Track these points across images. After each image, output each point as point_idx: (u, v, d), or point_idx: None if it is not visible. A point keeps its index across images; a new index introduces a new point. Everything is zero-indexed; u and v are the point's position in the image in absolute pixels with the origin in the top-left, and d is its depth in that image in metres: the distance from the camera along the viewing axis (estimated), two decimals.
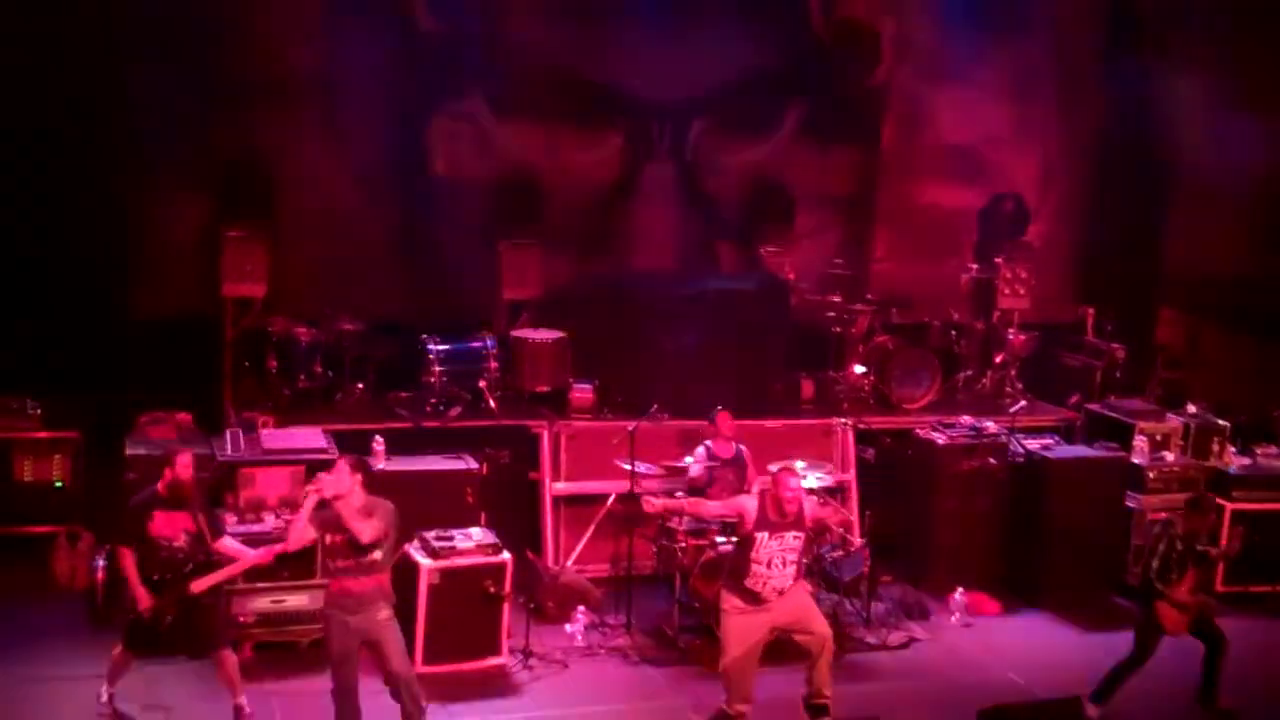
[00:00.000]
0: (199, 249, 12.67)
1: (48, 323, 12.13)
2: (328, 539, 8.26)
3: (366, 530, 8.10)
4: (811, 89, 14.72)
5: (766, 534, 8.78)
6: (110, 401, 11.62)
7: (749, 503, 8.95)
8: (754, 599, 8.82)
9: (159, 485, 8.70)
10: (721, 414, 11.12)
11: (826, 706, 9.00)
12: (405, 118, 13.48)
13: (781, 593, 8.86)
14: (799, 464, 11.08)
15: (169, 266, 12.79)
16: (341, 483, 8.15)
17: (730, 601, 8.88)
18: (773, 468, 10.29)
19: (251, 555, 8.85)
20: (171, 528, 8.62)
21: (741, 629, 8.83)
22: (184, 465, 8.68)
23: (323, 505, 8.17)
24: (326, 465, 10.32)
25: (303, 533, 8.26)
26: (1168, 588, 9.33)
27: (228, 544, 8.88)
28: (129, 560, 8.58)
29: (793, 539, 8.84)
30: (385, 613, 8.31)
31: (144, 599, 8.52)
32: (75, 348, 12.08)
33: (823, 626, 9.04)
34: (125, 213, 12.61)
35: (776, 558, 8.80)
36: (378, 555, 8.22)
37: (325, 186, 13.18)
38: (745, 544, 8.83)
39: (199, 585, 8.63)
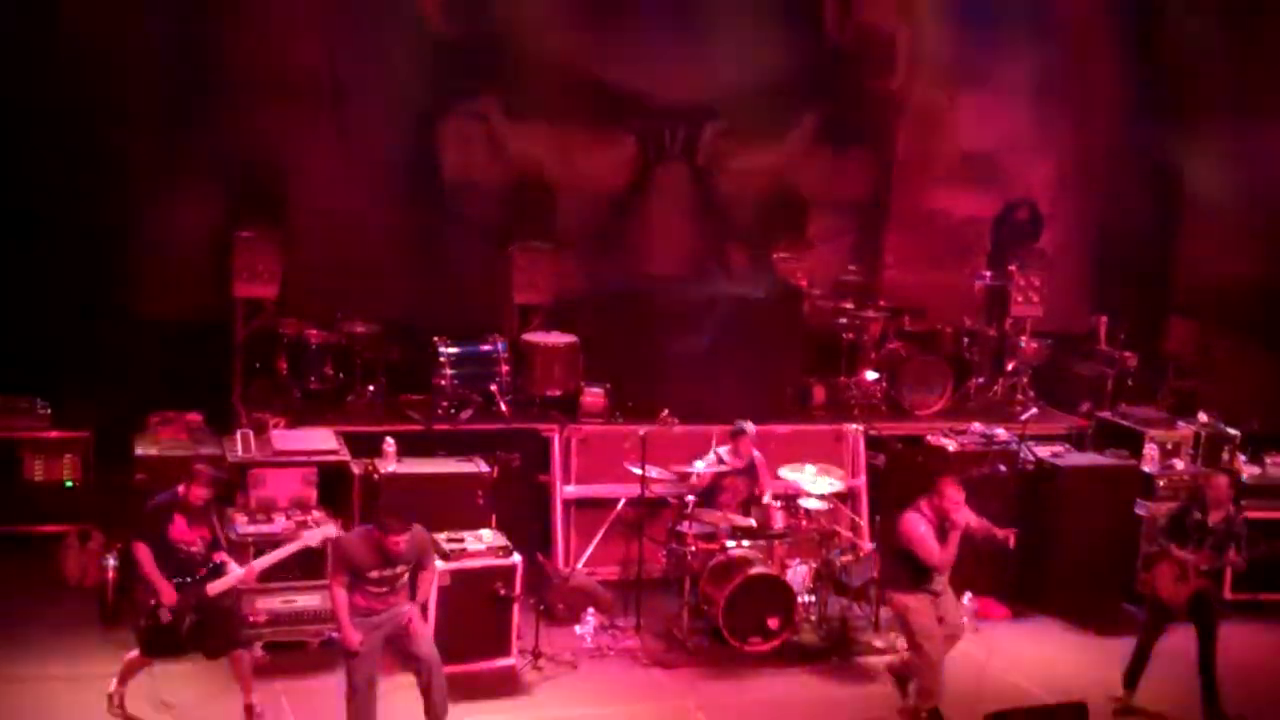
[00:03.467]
0: (210, 250, 12.65)
1: (58, 323, 12.14)
2: (372, 574, 8.30)
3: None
4: (826, 94, 14.71)
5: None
6: (121, 401, 11.63)
7: (930, 539, 9.22)
8: (931, 591, 9.35)
9: (180, 489, 8.69)
10: (744, 439, 11.08)
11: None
12: (417, 119, 13.47)
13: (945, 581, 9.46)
14: (810, 468, 11.10)
15: (180, 267, 12.77)
16: None
17: (916, 599, 9.28)
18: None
19: (240, 573, 8.83)
20: (190, 533, 8.63)
21: (931, 615, 9.30)
22: (198, 497, 8.64)
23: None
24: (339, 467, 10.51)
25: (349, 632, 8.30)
26: (1173, 546, 9.62)
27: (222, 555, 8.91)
28: (146, 556, 8.55)
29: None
30: (408, 605, 8.46)
31: (168, 593, 8.50)
32: (86, 348, 12.10)
33: (959, 617, 9.73)
34: (137, 213, 12.61)
35: None
36: (406, 576, 8.42)
37: (337, 188, 13.17)
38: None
39: (215, 588, 8.65)
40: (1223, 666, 9.87)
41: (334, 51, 13.21)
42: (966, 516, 9.40)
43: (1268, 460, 12.35)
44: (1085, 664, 10.66)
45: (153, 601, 8.55)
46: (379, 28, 13.09)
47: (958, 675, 9.54)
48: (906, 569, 9.36)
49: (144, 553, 8.57)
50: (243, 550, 9.43)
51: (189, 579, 8.60)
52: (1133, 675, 9.93)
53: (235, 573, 8.77)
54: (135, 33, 12.24)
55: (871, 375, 13.44)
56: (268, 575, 9.41)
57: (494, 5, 13.24)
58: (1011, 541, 9.81)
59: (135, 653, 8.82)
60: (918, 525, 9.26)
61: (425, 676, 8.46)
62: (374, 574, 8.30)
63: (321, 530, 9.39)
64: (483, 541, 9.96)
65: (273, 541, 9.51)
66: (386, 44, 13.08)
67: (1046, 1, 15.07)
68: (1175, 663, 9.88)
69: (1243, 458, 12.39)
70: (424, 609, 8.78)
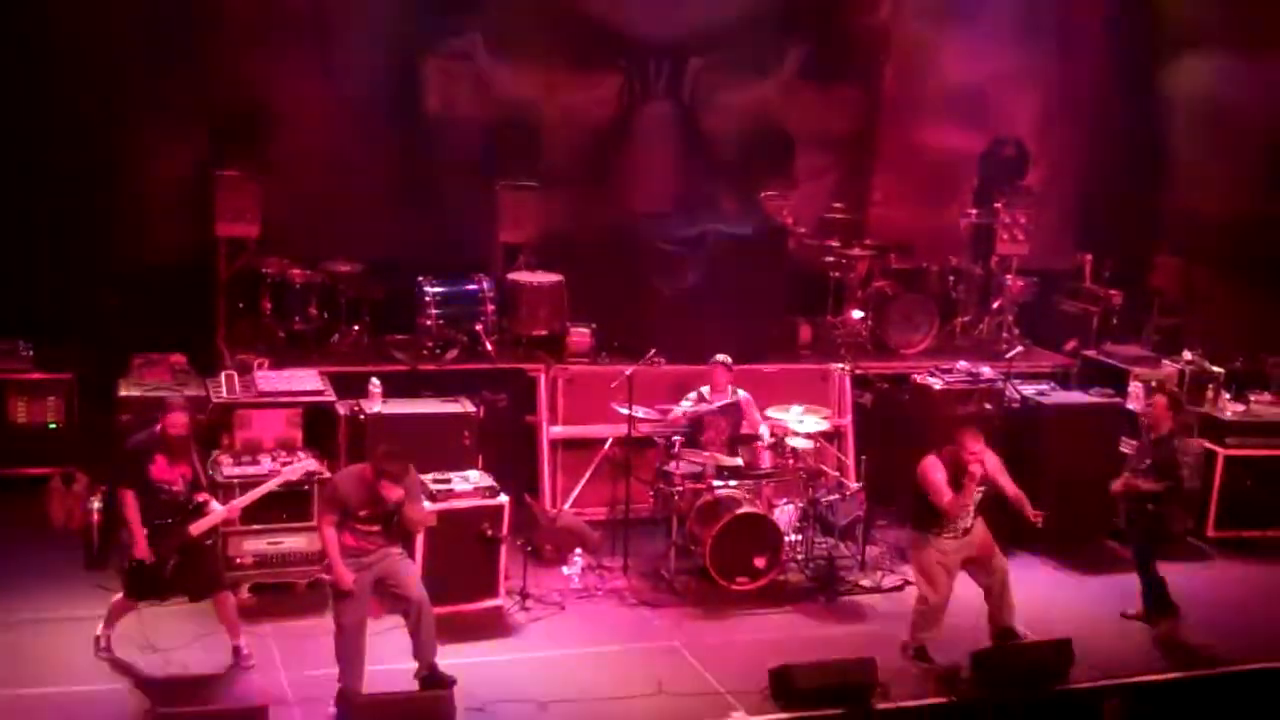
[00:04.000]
0: (192, 189, 12.50)
1: (40, 264, 12.03)
2: (362, 513, 8.29)
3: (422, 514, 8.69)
4: (811, 28, 14.55)
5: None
6: (104, 342, 11.55)
7: (942, 486, 9.29)
8: (939, 538, 9.47)
9: (157, 429, 8.65)
10: (716, 367, 11.12)
11: (1013, 630, 9.72)
12: (400, 56, 13.28)
13: (968, 530, 9.52)
14: (796, 408, 11.09)
15: (163, 207, 12.61)
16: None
17: (923, 540, 9.48)
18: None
19: (222, 512, 8.83)
20: (171, 472, 8.61)
21: (933, 560, 9.45)
22: (174, 425, 8.61)
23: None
24: (325, 407, 10.46)
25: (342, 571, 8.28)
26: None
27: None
28: (131, 502, 8.53)
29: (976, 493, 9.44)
30: (397, 548, 8.50)
31: (142, 547, 8.49)
32: (68, 289, 12.00)
33: (1003, 561, 9.73)
34: (120, 152, 12.44)
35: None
36: (396, 517, 8.41)
37: (320, 126, 12.99)
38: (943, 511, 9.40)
39: (198, 528, 8.64)
40: (1201, 602, 10.05)
41: None
42: (989, 470, 9.44)
43: (1252, 398, 12.40)
44: (1071, 601, 10.75)
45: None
46: None
47: (948, 613, 9.59)
48: (921, 510, 9.50)
49: (130, 499, 8.54)
50: (228, 491, 9.40)
51: (171, 520, 8.58)
52: (1159, 603, 10.16)
53: (217, 512, 8.76)
54: None
55: (857, 314, 13.43)
56: (254, 516, 9.44)
57: None
58: (1040, 523, 9.92)
59: (120, 595, 8.82)
60: (934, 471, 9.36)
61: (414, 617, 8.48)
62: (364, 512, 8.29)
63: (302, 464, 9.39)
64: (469, 482, 9.96)
65: (258, 483, 9.48)
66: None
67: None
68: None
69: (1226, 395, 12.41)
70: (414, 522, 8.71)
